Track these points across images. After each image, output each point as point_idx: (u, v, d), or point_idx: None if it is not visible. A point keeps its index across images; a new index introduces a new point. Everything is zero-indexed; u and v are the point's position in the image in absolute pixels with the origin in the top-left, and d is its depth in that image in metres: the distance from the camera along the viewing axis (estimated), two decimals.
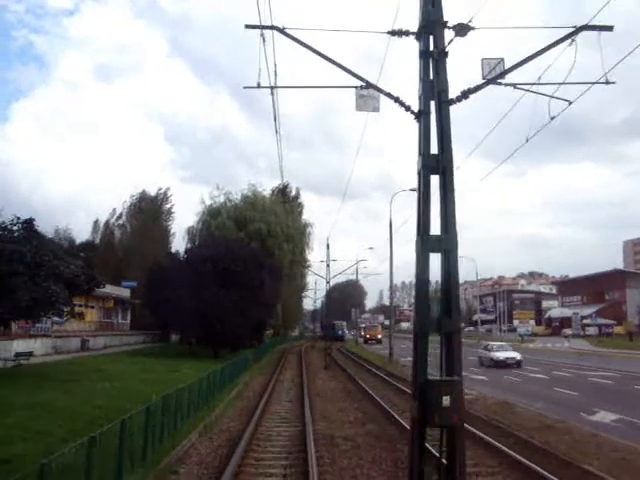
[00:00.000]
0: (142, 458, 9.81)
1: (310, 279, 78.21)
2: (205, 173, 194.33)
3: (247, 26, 7.91)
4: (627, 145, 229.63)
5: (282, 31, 7.60)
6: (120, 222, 78.83)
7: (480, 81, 7.25)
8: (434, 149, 6.74)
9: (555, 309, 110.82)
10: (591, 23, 7.19)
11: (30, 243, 19.03)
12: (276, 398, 21.26)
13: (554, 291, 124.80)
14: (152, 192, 76.98)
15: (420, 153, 6.76)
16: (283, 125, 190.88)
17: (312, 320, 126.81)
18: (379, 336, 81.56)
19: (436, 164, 6.53)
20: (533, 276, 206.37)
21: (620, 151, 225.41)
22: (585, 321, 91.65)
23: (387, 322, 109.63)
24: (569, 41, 7.15)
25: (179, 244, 66.88)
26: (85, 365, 24.90)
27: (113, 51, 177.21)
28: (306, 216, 68.06)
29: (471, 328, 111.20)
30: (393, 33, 7.37)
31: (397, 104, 7.22)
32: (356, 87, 7.19)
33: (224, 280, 34.31)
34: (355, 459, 11.40)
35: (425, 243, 6.56)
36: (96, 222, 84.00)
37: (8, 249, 17.61)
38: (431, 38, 6.82)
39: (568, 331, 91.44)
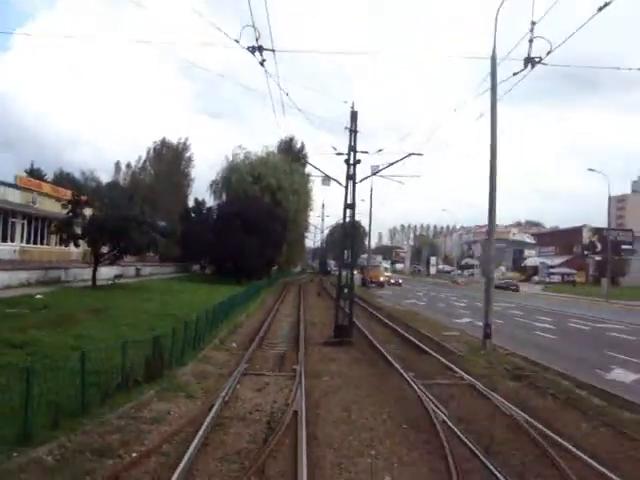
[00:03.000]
0: (217, 326, 21.95)
1: (313, 220, 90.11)
2: (218, 108, 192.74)
3: None
4: None
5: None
6: (143, 166, 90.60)
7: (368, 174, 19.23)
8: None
9: (532, 258, 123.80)
10: None
11: (133, 206, 31.24)
12: (284, 306, 34.07)
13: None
14: (171, 138, 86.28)
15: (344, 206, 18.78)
16: (294, 59, 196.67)
17: (312, 258, 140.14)
18: (382, 279, 72.80)
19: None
20: (526, 226, 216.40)
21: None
22: (552, 270, 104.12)
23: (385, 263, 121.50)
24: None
25: (199, 189, 76.77)
26: (155, 285, 37.27)
27: None
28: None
29: (459, 271, 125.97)
30: (338, 154, 19.29)
31: (336, 182, 19.23)
32: (322, 180, 19.18)
33: (246, 228, 46.70)
34: (316, 312, 23.90)
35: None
36: (117, 164, 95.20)
37: (126, 214, 29.92)
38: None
39: (536, 278, 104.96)
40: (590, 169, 54.95)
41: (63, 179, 76.66)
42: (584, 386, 12.96)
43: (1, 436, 7.42)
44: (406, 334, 21.89)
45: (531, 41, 15.70)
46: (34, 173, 68.69)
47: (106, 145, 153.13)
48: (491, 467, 7.67)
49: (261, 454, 7.88)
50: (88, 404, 9.27)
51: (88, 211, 32.73)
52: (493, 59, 18.60)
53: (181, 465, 7.19)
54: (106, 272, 36.22)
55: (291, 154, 75.55)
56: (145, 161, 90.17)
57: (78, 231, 31.41)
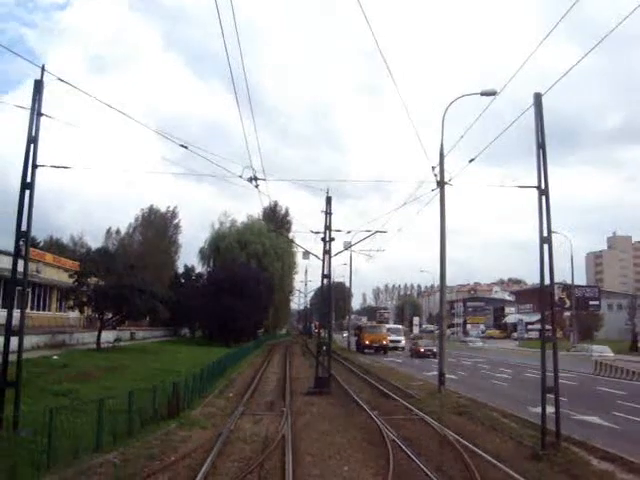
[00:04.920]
0: (215, 381, 25.36)
1: (297, 284, 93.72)
2: (198, 169, 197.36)
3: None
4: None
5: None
6: (131, 232, 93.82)
7: (342, 249, 23.14)
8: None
9: (511, 315, 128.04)
10: None
11: (135, 276, 34.86)
12: (271, 364, 37.31)
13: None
14: (158, 205, 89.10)
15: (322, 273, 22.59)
16: (279, 121, 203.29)
17: (298, 320, 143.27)
18: (384, 342, 58.57)
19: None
20: (508, 283, 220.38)
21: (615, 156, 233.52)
22: (530, 326, 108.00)
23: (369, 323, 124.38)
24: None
25: (185, 251, 79.40)
26: (152, 347, 40.55)
27: (105, 44, 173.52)
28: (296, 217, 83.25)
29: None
30: (315, 232, 23.25)
31: (314, 256, 23.09)
32: (303, 254, 22.97)
33: (234, 293, 50.31)
34: (301, 369, 27.26)
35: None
36: (108, 230, 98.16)
37: (128, 283, 33.50)
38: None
39: (515, 334, 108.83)
40: (553, 231, 58.57)
41: (53, 245, 79.74)
42: (509, 416, 16.56)
43: (84, 446, 10.94)
44: (378, 385, 25.41)
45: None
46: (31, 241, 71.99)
47: (93, 210, 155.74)
48: (418, 462, 11.25)
49: (260, 458, 11.42)
50: (132, 430, 12.82)
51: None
52: (441, 154, 22.84)
53: (206, 463, 10.71)
54: (105, 336, 39.39)
55: (275, 220, 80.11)
56: (134, 228, 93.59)
57: (84, 299, 34.92)
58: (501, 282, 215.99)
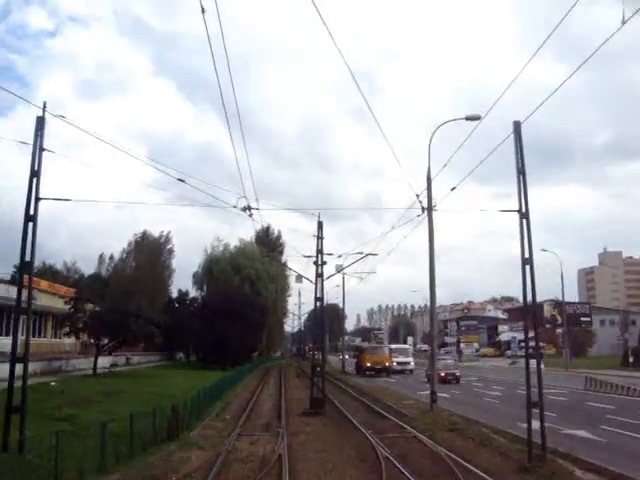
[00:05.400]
0: (211, 404, 25.71)
1: (290, 307, 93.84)
2: (191, 194, 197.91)
3: None
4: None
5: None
6: (125, 258, 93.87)
7: (333, 271, 23.68)
8: None
9: (505, 333, 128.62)
10: None
11: (131, 302, 35.29)
12: (266, 387, 37.60)
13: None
14: (151, 230, 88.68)
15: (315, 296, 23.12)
16: (271, 144, 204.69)
17: (292, 343, 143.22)
18: (387, 364, 54.11)
19: None
20: (501, 301, 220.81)
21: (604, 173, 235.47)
22: (523, 344, 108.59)
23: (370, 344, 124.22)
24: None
25: (180, 279, 79.54)
26: (148, 372, 40.78)
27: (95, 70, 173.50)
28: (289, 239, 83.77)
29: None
30: (307, 256, 23.82)
31: (307, 279, 23.64)
32: (296, 277, 23.55)
33: (229, 317, 50.65)
34: (296, 391, 27.61)
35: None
36: (101, 256, 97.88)
37: (124, 308, 33.93)
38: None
39: (509, 352, 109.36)
40: (543, 249, 59.50)
41: (47, 271, 79.86)
42: (499, 432, 17.04)
43: (87, 468, 11.37)
44: (372, 404, 25.82)
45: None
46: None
47: (85, 235, 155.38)
48: (410, 477, 11.73)
49: (258, 477, 11.87)
50: (134, 452, 13.24)
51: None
52: (429, 179, 23.54)
53: None
54: (101, 361, 39.67)
55: (268, 243, 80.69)
56: (127, 253, 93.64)
57: (79, 325, 35.27)
58: (494, 300, 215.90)
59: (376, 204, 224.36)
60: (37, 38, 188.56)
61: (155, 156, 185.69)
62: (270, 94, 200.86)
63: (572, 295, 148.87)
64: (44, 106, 13.22)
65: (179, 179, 16.36)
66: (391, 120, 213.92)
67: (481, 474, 11.85)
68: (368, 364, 53.81)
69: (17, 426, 12.41)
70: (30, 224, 12.90)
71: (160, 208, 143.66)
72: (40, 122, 13.19)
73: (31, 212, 12.94)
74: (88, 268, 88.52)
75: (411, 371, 58.04)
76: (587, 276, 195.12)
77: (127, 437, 13.60)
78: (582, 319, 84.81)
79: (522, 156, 13.58)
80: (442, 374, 44.61)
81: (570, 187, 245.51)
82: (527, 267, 13.17)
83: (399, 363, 57.14)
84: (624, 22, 9.19)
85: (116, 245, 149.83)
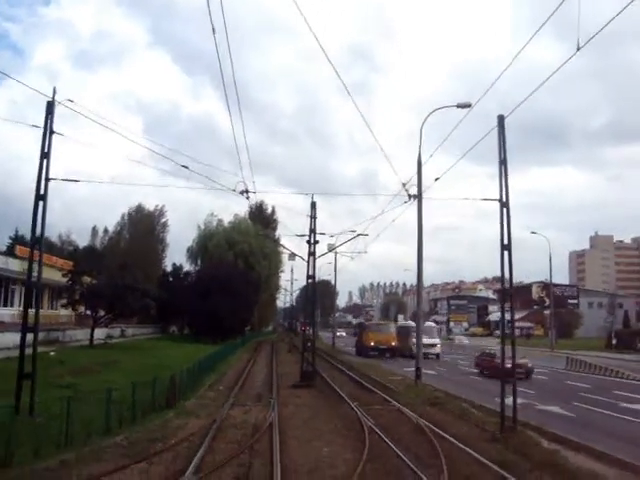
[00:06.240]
0: (205, 375, 26.75)
1: (283, 283, 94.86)
2: (183, 163, 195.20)
3: None
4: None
5: None
6: (119, 231, 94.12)
7: (325, 250, 24.59)
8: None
9: (495, 313, 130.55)
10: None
11: (128, 276, 36.19)
12: (259, 360, 38.79)
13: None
14: (145, 203, 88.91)
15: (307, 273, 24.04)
16: (267, 118, 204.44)
17: (284, 318, 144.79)
18: (393, 344, 48.45)
19: None
20: (492, 281, 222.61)
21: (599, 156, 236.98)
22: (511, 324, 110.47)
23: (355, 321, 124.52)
24: None
25: (175, 254, 79.59)
26: (142, 344, 41.83)
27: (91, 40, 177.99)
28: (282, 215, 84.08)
29: None
30: (300, 236, 24.70)
31: (299, 257, 24.55)
32: (289, 255, 24.49)
33: (222, 292, 51.69)
34: (287, 365, 28.73)
35: None
36: (94, 228, 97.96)
37: (121, 281, 34.81)
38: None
39: (498, 332, 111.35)
40: (533, 232, 60.77)
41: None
42: (477, 407, 18.14)
43: (95, 430, 12.36)
44: (360, 379, 26.91)
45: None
46: (18, 240, 72.64)
47: (78, 207, 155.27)
48: (389, 443, 12.76)
49: (250, 441, 12.87)
50: (135, 417, 14.26)
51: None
52: (419, 162, 24.38)
53: (204, 444, 12.14)
54: (96, 333, 40.66)
55: (261, 219, 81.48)
56: (121, 226, 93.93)
57: (76, 297, 36.18)
58: (485, 280, 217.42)
59: (372, 181, 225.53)
60: (31, 6, 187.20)
61: (151, 128, 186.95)
62: (267, 68, 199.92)
63: (563, 277, 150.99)
64: (54, 92, 13.97)
65: (183, 165, 17.11)
66: (389, 97, 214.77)
67: (456, 442, 12.89)
68: (371, 343, 48.21)
69: (26, 392, 13.42)
70: (40, 203, 13.71)
71: (153, 181, 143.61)
72: (50, 106, 13.93)
73: (41, 192, 13.73)
74: (82, 240, 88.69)
75: (437, 355, 47.28)
76: (578, 259, 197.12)
77: (128, 404, 14.59)
78: (569, 301, 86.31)
79: (504, 148, 14.43)
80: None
81: (567, 168, 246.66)
82: (506, 252, 14.12)
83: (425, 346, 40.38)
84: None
85: (109, 218, 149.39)
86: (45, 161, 13.84)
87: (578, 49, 9.12)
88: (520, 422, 14.09)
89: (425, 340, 38.96)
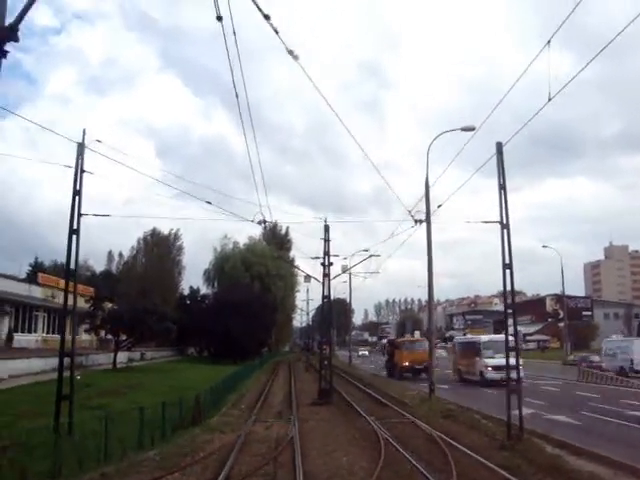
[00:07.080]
0: (227, 395, 27.72)
1: (299, 302, 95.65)
2: (198, 189, 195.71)
3: None
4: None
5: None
6: (134, 255, 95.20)
7: (339, 271, 25.56)
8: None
9: (510, 327, 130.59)
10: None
11: (147, 299, 37.37)
12: (277, 380, 39.71)
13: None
14: (160, 228, 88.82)
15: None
16: (279, 138, 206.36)
17: (300, 337, 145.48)
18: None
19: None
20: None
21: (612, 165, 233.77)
22: (528, 337, 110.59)
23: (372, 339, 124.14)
24: None
25: (190, 276, 79.86)
26: (163, 366, 42.90)
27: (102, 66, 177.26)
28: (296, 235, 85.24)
29: (442, 343, 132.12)
30: (315, 258, 25.72)
31: (314, 279, 25.53)
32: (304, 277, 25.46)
33: (239, 314, 52.81)
34: (305, 384, 29.60)
35: None
36: (110, 253, 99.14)
37: (141, 306, 36.02)
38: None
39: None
40: (544, 245, 61.35)
41: (58, 268, 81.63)
42: (488, 418, 18.93)
43: (129, 446, 13.39)
44: (375, 395, 27.76)
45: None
46: (38, 266, 74.02)
47: (95, 233, 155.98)
48: (403, 452, 13.67)
49: (274, 453, 13.83)
50: (165, 434, 15.28)
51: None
52: (426, 185, 25.40)
53: (230, 457, 13.12)
54: (118, 357, 41.84)
55: (276, 239, 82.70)
56: (137, 250, 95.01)
57: (98, 322, 37.42)
58: (501, 294, 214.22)
59: (385, 197, 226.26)
60: (43, 36, 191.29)
61: (163, 150, 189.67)
62: (278, 87, 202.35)
63: (579, 288, 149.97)
64: (83, 133, 15.17)
65: (207, 202, 18.26)
66: (400, 113, 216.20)
67: (466, 451, 13.76)
68: (405, 363, 41.69)
69: (63, 412, 14.46)
70: (74, 237, 14.85)
71: (165, 203, 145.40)
72: (80, 147, 15.13)
73: (74, 227, 14.88)
74: (98, 265, 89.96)
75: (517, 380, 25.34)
76: (593, 270, 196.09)
77: (158, 422, 15.61)
78: (584, 313, 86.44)
79: (504, 174, 15.43)
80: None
81: (579, 179, 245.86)
82: (507, 271, 15.06)
83: (494, 368, 32.12)
84: None
85: (124, 242, 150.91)
86: (77, 198, 14.99)
87: (549, 99, 10.11)
88: (527, 430, 14.91)
89: (494, 360, 31.74)
